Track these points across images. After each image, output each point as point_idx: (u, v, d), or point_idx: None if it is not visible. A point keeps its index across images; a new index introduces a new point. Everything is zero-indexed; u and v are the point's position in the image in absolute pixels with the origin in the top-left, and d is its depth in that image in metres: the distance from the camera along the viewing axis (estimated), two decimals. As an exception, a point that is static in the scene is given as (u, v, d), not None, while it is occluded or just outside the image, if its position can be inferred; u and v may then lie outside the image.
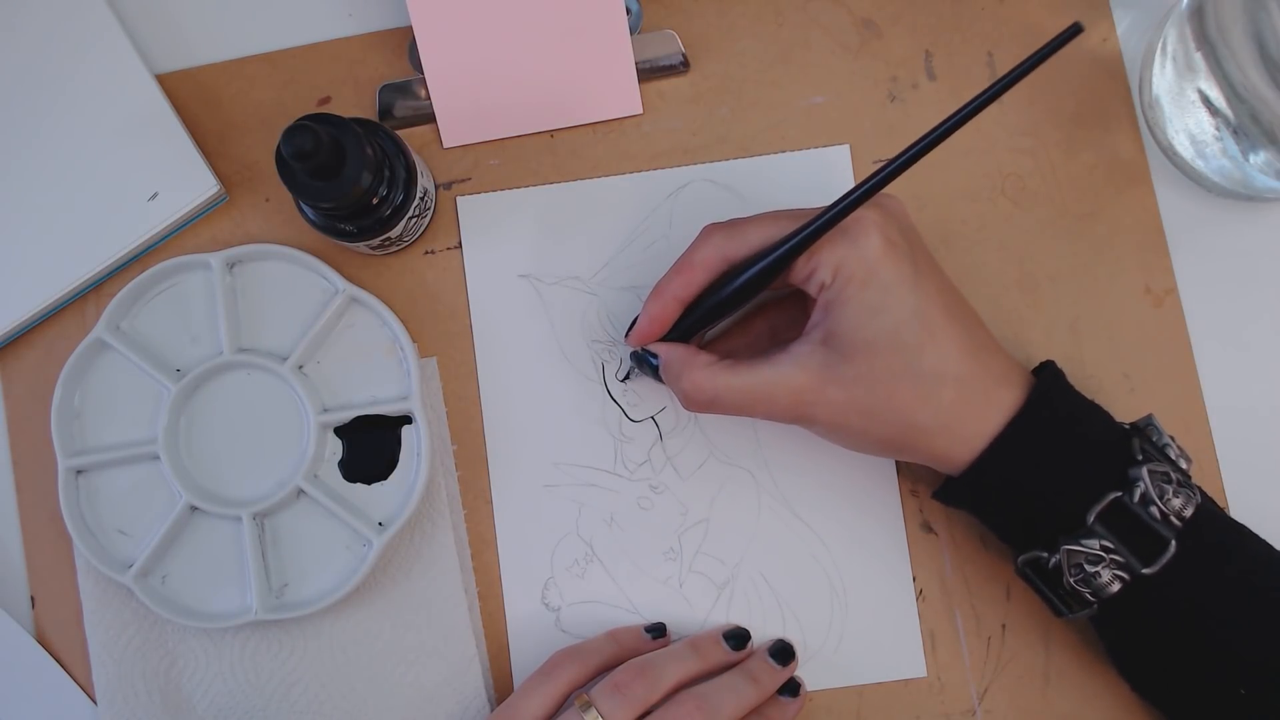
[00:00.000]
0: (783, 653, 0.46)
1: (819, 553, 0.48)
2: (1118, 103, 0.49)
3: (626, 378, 0.49)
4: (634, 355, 0.46)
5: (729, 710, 0.42)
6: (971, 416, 0.40)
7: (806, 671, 0.47)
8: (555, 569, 0.48)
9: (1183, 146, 0.47)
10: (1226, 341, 0.48)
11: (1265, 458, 0.47)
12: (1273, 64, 0.40)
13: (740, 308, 0.43)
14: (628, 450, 0.49)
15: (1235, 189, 0.47)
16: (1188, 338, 0.48)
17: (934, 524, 0.48)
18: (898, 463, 0.48)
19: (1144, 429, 0.42)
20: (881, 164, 0.39)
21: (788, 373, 0.41)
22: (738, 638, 0.46)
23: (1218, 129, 0.45)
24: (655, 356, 0.44)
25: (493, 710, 0.47)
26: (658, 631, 0.47)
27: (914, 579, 0.48)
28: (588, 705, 0.42)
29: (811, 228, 0.40)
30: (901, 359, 0.40)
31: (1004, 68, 0.49)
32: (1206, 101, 0.45)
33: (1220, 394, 0.48)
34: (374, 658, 0.48)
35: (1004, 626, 0.47)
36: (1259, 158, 0.45)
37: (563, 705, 0.43)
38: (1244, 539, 0.41)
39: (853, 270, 0.40)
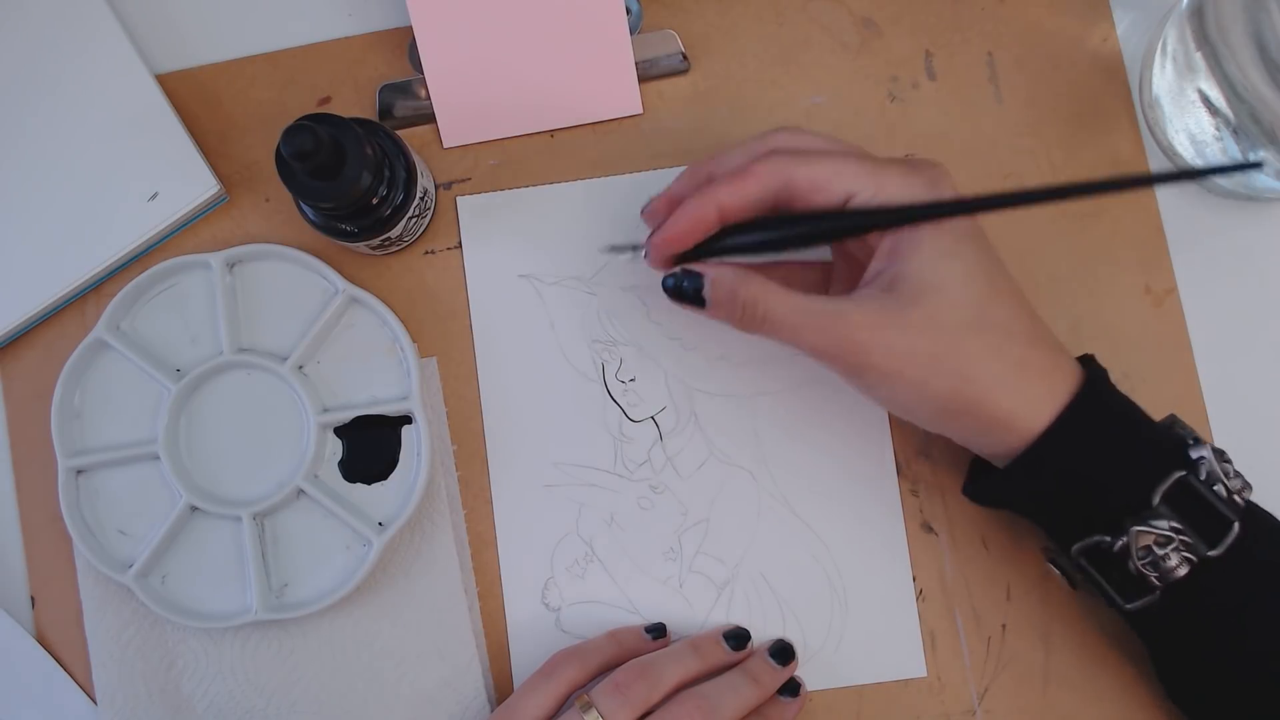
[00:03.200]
0: (783, 653, 0.46)
1: (819, 553, 0.48)
2: (1118, 103, 0.49)
3: (633, 250, 0.44)
4: (666, 283, 0.41)
5: (729, 710, 0.42)
6: (1040, 378, 0.38)
7: (806, 671, 0.47)
8: (555, 569, 0.48)
9: (1183, 146, 0.47)
10: (1226, 341, 0.48)
11: (1265, 458, 0.47)
12: (1273, 64, 0.40)
13: (779, 252, 0.40)
14: (628, 450, 0.49)
15: (1235, 189, 0.47)
16: (1188, 338, 0.48)
17: (934, 524, 0.48)
18: (898, 463, 0.48)
19: (1174, 424, 0.42)
20: (1012, 191, 0.38)
21: (848, 309, 0.38)
22: (738, 638, 0.46)
23: (1218, 129, 0.45)
24: (699, 277, 0.40)
25: (493, 710, 0.47)
26: (658, 632, 0.47)
27: (914, 579, 0.48)
28: (588, 705, 0.42)
29: (911, 213, 0.38)
30: (972, 307, 0.38)
31: (1004, 68, 0.50)
32: (1206, 101, 0.45)
33: (1220, 394, 0.48)
34: (374, 658, 0.48)
35: (1004, 626, 0.47)
36: (1259, 158, 0.45)
37: (563, 705, 0.43)
38: None
39: None
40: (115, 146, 0.49)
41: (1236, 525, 0.38)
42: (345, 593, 0.47)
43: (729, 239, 0.40)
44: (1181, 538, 0.38)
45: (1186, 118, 0.46)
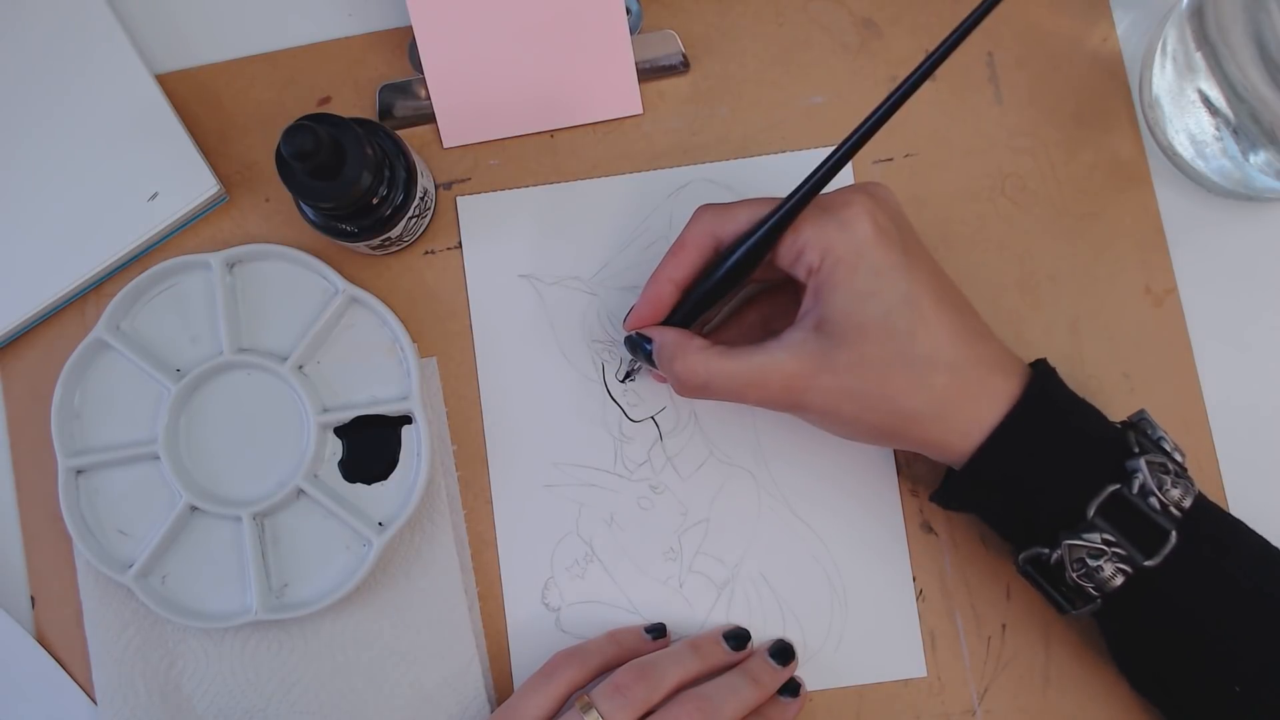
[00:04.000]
0: (783, 653, 0.46)
1: (819, 553, 0.48)
2: (1118, 103, 0.49)
3: (629, 376, 0.49)
4: (628, 341, 0.45)
5: (730, 710, 0.42)
6: (966, 404, 0.40)
7: (806, 671, 0.47)
8: (555, 569, 0.48)
9: (1183, 146, 0.47)
10: (1226, 341, 0.48)
11: (1265, 457, 0.47)
12: (1273, 64, 0.40)
13: (732, 290, 0.43)
14: (628, 450, 0.49)
15: (1235, 189, 0.47)
16: (1188, 338, 0.48)
17: (934, 524, 0.48)
18: (898, 463, 0.48)
19: (1137, 424, 0.42)
20: (849, 134, 0.39)
21: (780, 359, 0.41)
22: (738, 638, 0.46)
23: (1218, 129, 0.45)
24: (649, 341, 0.44)
25: (493, 711, 0.47)
26: (658, 632, 0.47)
27: (914, 579, 0.48)
28: (589, 706, 0.42)
29: (791, 201, 0.40)
30: (893, 345, 0.39)
31: (1004, 68, 0.50)
32: (1206, 101, 0.45)
33: (1220, 394, 0.47)
34: (374, 658, 0.48)
35: (1004, 626, 0.47)
36: (1259, 158, 0.45)
37: (563, 706, 0.43)
38: (1240, 532, 0.41)
39: (841, 254, 0.40)
40: (115, 146, 0.49)
41: (1174, 535, 0.39)
42: (345, 593, 0.47)
43: (688, 298, 0.44)
44: (1115, 549, 0.39)
45: (1186, 118, 0.46)
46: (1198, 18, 0.43)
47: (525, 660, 0.48)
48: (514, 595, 0.48)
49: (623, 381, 0.49)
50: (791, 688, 0.46)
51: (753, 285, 0.46)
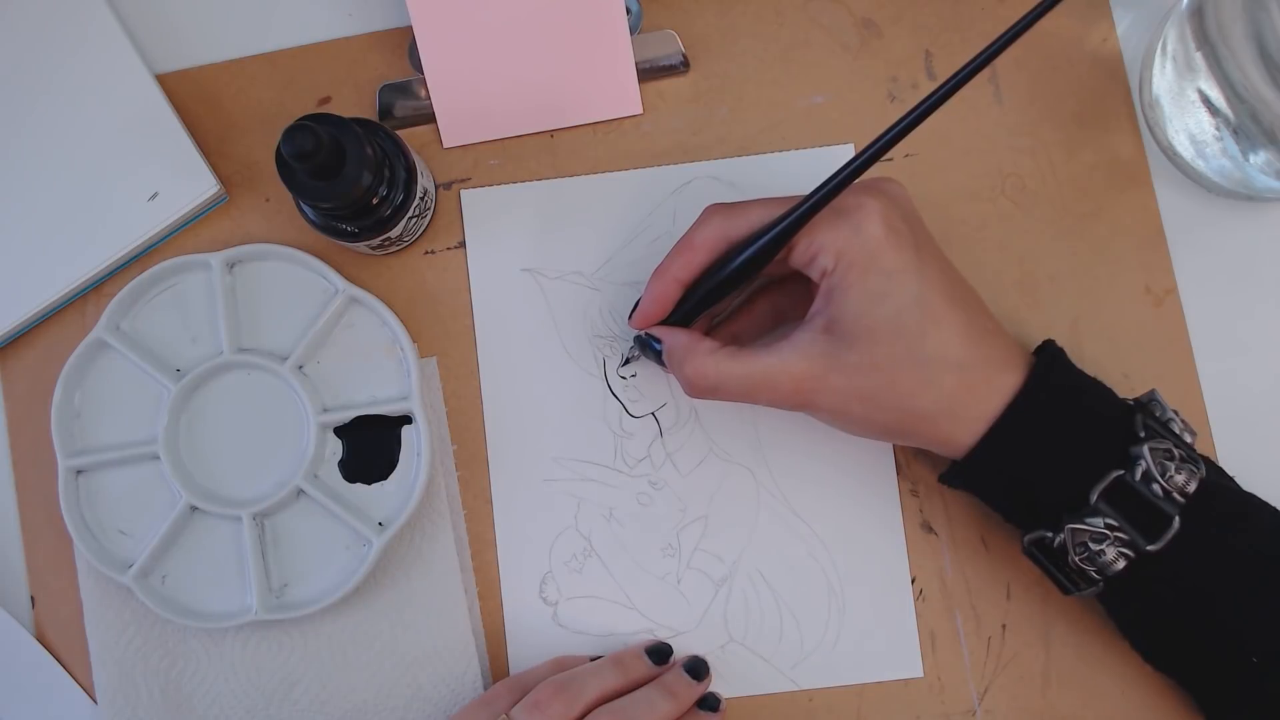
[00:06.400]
0: (697, 669, 0.46)
1: (817, 551, 0.48)
2: (1118, 103, 0.49)
3: (626, 363, 0.49)
4: (638, 340, 0.45)
5: None
6: (973, 401, 0.40)
7: (805, 670, 0.47)
8: (554, 564, 0.48)
9: (1183, 146, 0.47)
10: (1226, 341, 0.48)
11: (1265, 458, 0.47)
12: (1273, 64, 0.40)
13: (741, 288, 0.43)
14: (628, 446, 0.49)
15: (1235, 189, 0.47)
16: (1188, 338, 0.48)
17: (934, 524, 0.48)
18: (898, 463, 0.48)
19: (1147, 404, 0.42)
20: (872, 141, 0.39)
21: (790, 360, 0.41)
22: (659, 653, 0.46)
23: (1218, 129, 0.45)
24: (659, 341, 0.44)
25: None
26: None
27: (914, 579, 0.48)
28: None
29: (805, 206, 0.40)
30: (903, 345, 0.39)
31: (1004, 68, 0.50)
32: (1206, 101, 0.45)
33: (1220, 394, 0.47)
34: (374, 658, 0.48)
35: (1004, 626, 0.47)
36: (1259, 158, 0.45)
37: None
38: (1251, 509, 0.41)
39: (854, 256, 0.40)
40: (115, 146, 0.49)
41: (1177, 520, 0.39)
42: (345, 593, 0.47)
43: (693, 294, 0.44)
44: (1117, 534, 0.39)
45: (1186, 118, 0.46)
46: (1198, 18, 0.44)
47: (522, 655, 0.48)
48: (512, 589, 0.48)
49: (623, 367, 0.49)
50: (711, 702, 0.46)
51: (763, 278, 0.45)
